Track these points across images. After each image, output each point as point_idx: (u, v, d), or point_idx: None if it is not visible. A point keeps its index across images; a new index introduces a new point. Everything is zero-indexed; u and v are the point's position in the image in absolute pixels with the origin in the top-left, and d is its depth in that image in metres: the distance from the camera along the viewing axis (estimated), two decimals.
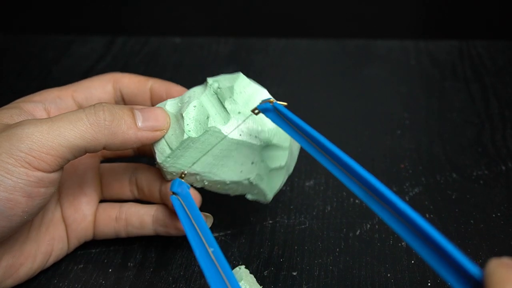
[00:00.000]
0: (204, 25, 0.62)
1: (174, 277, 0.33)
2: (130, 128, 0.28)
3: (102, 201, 0.35)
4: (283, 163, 0.32)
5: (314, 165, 0.42)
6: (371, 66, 0.55)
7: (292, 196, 0.39)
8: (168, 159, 0.30)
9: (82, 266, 0.34)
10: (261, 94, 0.31)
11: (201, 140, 0.29)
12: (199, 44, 0.60)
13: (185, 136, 0.29)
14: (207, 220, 0.32)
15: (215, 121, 0.29)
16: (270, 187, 0.32)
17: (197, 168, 0.30)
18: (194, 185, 0.31)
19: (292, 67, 0.56)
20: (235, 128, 0.30)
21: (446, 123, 0.46)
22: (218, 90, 0.31)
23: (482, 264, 0.34)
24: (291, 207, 0.38)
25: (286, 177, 0.34)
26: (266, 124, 0.30)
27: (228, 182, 0.31)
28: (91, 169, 0.34)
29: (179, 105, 0.30)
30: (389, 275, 0.32)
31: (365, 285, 0.32)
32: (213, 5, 0.61)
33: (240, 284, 0.30)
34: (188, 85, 0.35)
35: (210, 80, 0.31)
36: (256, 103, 0.30)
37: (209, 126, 0.29)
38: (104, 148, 0.28)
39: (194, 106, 0.29)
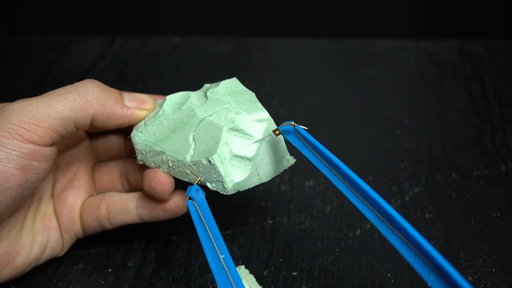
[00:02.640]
0: (204, 25, 0.62)
1: (174, 277, 0.33)
2: (117, 102, 0.30)
3: None
4: (249, 155, 0.30)
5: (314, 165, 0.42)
6: (371, 66, 0.55)
7: (292, 196, 0.39)
8: (140, 134, 0.31)
9: (82, 266, 0.34)
10: (248, 93, 0.32)
11: (174, 118, 0.31)
12: (199, 44, 0.60)
13: (160, 112, 0.31)
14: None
15: (192, 102, 0.31)
16: (230, 175, 0.31)
17: (165, 147, 0.31)
18: (161, 167, 0.31)
19: (292, 67, 0.56)
20: (212, 112, 0.30)
21: (446, 123, 0.46)
22: (208, 86, 0.32)
23: (482, 264, 0.34)
24: (291, 207, 0.38)
25: (256, 179, 0.31)
26: (241, 112, 0.31)
27: (190, 164, 0.31)
28: (83, 167, 0.35)
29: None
30: (389, 275, 0.32)
31: (365, 285, 0.32)
32: (213, 5, 0.61)
33: None
34: (188, 85, 0.35)
35: (207, 84, 0.33)
36: (239, 98, 0.31)
37: (184, 105, 0.31)
38: (92, 122, 0.29)
39: (180, 96, 0.32)
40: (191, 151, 0.30)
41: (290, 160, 0.32)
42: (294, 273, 0.33)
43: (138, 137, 0.31)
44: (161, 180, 0.30)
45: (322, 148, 0.27)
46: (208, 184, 0.30)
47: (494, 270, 0.32)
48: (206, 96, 0.32)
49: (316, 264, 0.33)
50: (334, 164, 0.26)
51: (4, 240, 0.30)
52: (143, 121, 0.32)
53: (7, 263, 0.30)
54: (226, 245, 0.26)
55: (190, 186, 0.30)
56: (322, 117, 0.48)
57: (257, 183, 0.31)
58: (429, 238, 0.35)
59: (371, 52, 0.58)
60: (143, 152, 0.31)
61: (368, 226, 0.36)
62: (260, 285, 0.31)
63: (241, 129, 0.30)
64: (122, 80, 0.55)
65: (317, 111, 0.49)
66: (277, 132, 0.30)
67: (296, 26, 0.61)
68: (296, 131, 0.29)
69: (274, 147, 0.31)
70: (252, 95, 0.32)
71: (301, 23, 0.61)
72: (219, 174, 0.30)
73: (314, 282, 0.32)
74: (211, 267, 0.25)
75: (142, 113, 0.31)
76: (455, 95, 0.50)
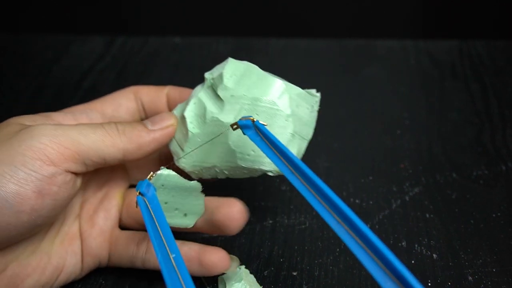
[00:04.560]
0: (204, 25, 0.62)
1: None
2: (143, 130, 0.30)
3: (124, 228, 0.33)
4: (290, 131, 0.30)
5: (314, 165, 0.42)
6: (371, 66, 0.55)
7: (292, 196, 0.39)
8: (184, 159, 0.31)
9: None
10: (252, 69, 0.31)
11: (205, 133, 0.30)
12: (199, 44, 0.60)
13: (190, 134, 0.30)
14: (232, 262, 0.31)
15: (212, 111, 0.30)
16: None
17: (213, 161, 0.31)
18: (218, 177, 0.32)
19: (292, 67, 0.56)
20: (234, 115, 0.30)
21: (446, 123, 0.46)
22: (212, 81, 0.31)
23: (482, 264, 0.34)
24: (291, 207, 0.38)
25: (304, 145, 0.32)
26: (261, 99, 0.30)
27: (244, 166, 0.31)
28: (116, 186, 0.34)
29: (185, 106, 0.32)
30: None
31: (365, 285, 0.32)
32: (213, 5, 0.61)
33: (240, 284, 0.30)
34: (188, 85, 0.35)
35: (206, 74, 0.32)
36: (249, 82, 0.30)
37: (206, 117, 0.30)
38: (123, 156, 0.29)
39: (194, 103, 0.31)
40: (238, 155, 0.30)
41: (317, 99, 0.33)
42: (294, 273, 0.33)
43: (184, 163, 0.31)
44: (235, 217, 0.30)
45: (281, 146, 0.26)
46: (270, 173, 0.31)
47: (494, 270, 0.32)
48: (218, 96, 0.30)
49: (316, 264, 0.33)
50: (293, 162, 0.25)
51: (14, 261, 0.28)
52: (177, 146, 0.31)
53: (15, 286, 0.28)
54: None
55: (141, 181, 0.28)
56: (322, 117, 0.48)
57: (307, 145, 0.32)
58: (429, 238, 0.35)
59: (371, 52, 0.58)
60: (196, 172, 0.31)
61: (368, 226, 0.36)
62: (260, 285, 0.31)
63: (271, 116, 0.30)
64: (122, 80, 0.55)
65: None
66: (235, 126, 0.29)
67: (296, 26, 0.61)
68: (255, 127, 0.28)
69: (303, 107, 0.32)
70: (256, 69, 0.31)
71: (301, 23, 0.61)
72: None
73: (314, 282, 0.32)
74: (160, 267, 0.23)
75: (169, 131, 0.31)
76: (455, 95, 0.50)
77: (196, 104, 0.31)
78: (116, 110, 0.34)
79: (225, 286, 0.30)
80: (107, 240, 0.32)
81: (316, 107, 0.33)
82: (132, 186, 0.35)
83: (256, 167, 0.30)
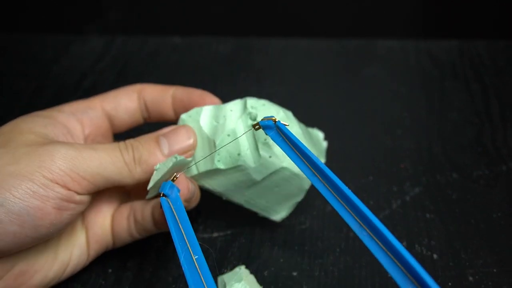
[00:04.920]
0: (204, 25, 0.62)
1: (173, 277, 0.33)
2: (157, 160, 0.29)
3: None
4: (307, 186, 0.33)
5: None
6: (371, 66, 0.55)
7: None
8: (196, 177, 0.31)
9: None
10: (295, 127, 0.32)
11: (227, 171, 0.30)
12: (199, 44, 0.60)
13: (214, 167, 0.30)
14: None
15: (246, 159, 0.30)
16: (286, 210, 0.34)
17: (219, 189, 0.32)
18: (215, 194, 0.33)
19: (292, 67, 0.56)
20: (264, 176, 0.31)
21: (446, 123, 0.46)
22: (257, 126, 0.30)
23: (483, 265, 0.34)
24: None
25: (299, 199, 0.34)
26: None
27: (251, 205, 0.33)
28: None
29: (214, 123, 0.31)
30: (389, 275, 0.32)
31: (365, 285, 0.32)
32: (213, 5, 0.61)
33: (240, 284, 0.30)
34: (188, 85, 0.35)
35: (249, 103, 0.31)
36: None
37: (238, 163, 0.30)
38: (136, 183, 0.30)
39: (228, 135, 0.30)
40: (248, 194, 0.32)
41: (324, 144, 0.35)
42: (294, 273, 0.33)
43: (193, 178, 0.32)
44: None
45: (303, 146, 0.26)
46: (260, 214, 0.34)
47: (495, 270, 0.32)
48: (257, 146, 0.30)
49: (316, 264, 0.33)
50: (314, 163, 0.25)
51: (22, 259, 0.28)
52: (195, 170, 0.31)
53: (23, 282, 0.28)
54: (201, 245, 0.25)
55: (164, 182, 0.29)
56: (322, 117, 0.48)
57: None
58: (429, 238, 0.35)
59: (371, 52, 0.58)
60: (200, 185, 0.32)
61: None
62: (261, 285, 0.31)
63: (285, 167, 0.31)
64: (122, 80, 0.55)
65: (317, 111, 0.49)
66: (257, 126, 0.29)
67: (296, 26, 0.61)
68: (277, 127, 0.28)
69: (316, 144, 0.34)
70: (298, 129, 0.31)
71: (301, 23, 0.61)
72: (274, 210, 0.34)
73: (314, 282, 0.32)
74: (183, 269, 0.24)
75: (187, 157, 0.30)
76: (455, 95, 0.50)
77: (230, 138, 0.30)
78: (115, 109, 0.34)
79: (225, 286, 0.30)
80: (110, 224, 0.33)
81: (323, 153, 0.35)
82: None
83: (254, 210, 0.33)
